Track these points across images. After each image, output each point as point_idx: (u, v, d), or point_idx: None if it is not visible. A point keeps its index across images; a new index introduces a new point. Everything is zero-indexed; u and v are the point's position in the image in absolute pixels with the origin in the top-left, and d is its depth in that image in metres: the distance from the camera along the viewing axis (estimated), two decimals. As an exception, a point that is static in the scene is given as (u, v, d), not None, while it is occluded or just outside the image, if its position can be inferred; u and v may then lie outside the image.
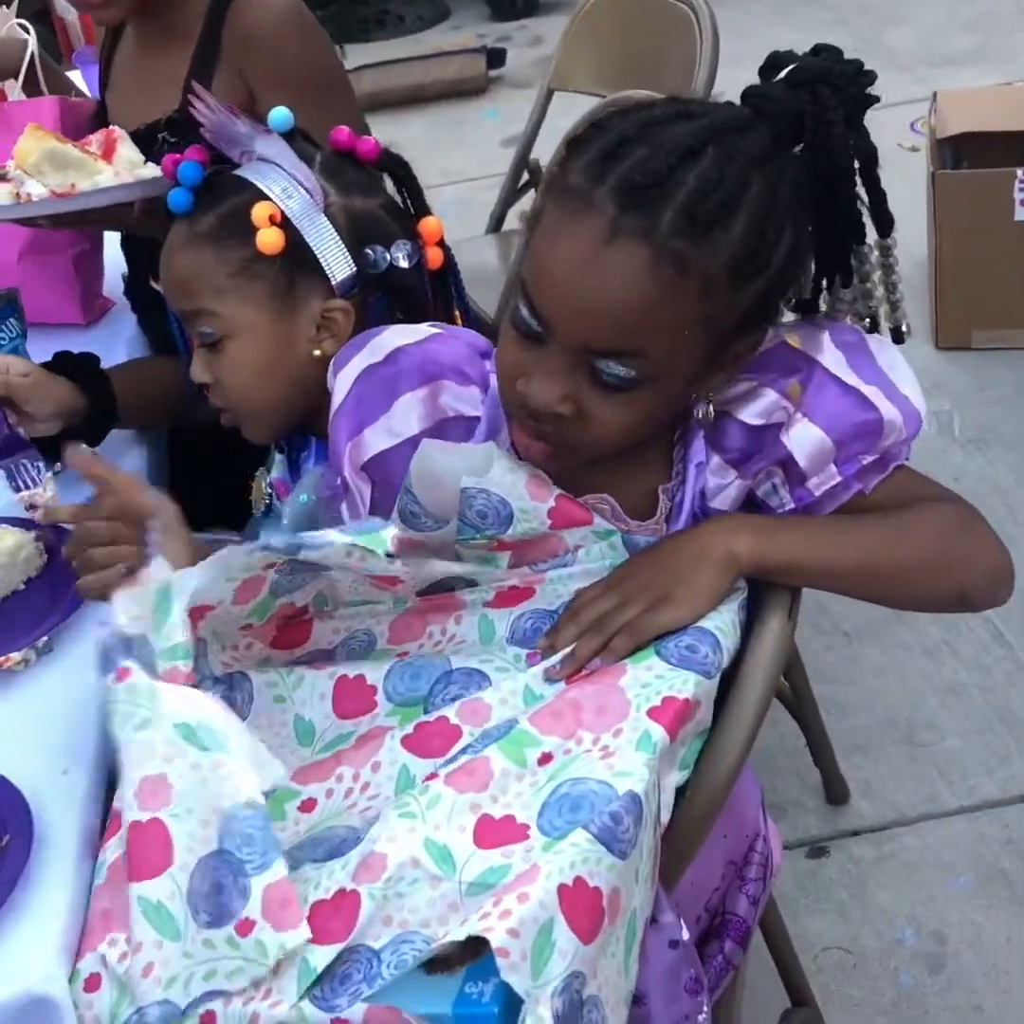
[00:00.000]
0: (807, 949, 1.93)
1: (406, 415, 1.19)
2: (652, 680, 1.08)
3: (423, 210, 1.45)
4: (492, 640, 1.19)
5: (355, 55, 5.36)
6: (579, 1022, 0.96)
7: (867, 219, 1.15)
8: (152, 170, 1.56)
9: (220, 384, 1.43)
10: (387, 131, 4.05)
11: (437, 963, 0.97)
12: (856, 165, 1.12)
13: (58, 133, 1.60)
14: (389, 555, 1.10)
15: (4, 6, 2.13)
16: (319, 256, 1.37)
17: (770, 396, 1.16)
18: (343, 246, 1.38)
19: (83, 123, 1.88)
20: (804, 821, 2.18)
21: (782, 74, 1.11)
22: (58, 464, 1.57)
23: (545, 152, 1.07)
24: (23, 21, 1.96)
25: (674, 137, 1.04)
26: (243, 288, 1.38)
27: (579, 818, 0.99)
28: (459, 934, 0.94)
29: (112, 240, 1.99)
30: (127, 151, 1.58)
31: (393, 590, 1.19)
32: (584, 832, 0.98)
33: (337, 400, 1.21)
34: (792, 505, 1.19)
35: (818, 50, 1.13)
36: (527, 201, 1.06)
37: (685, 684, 1.08)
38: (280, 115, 1.39)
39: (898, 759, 2.27)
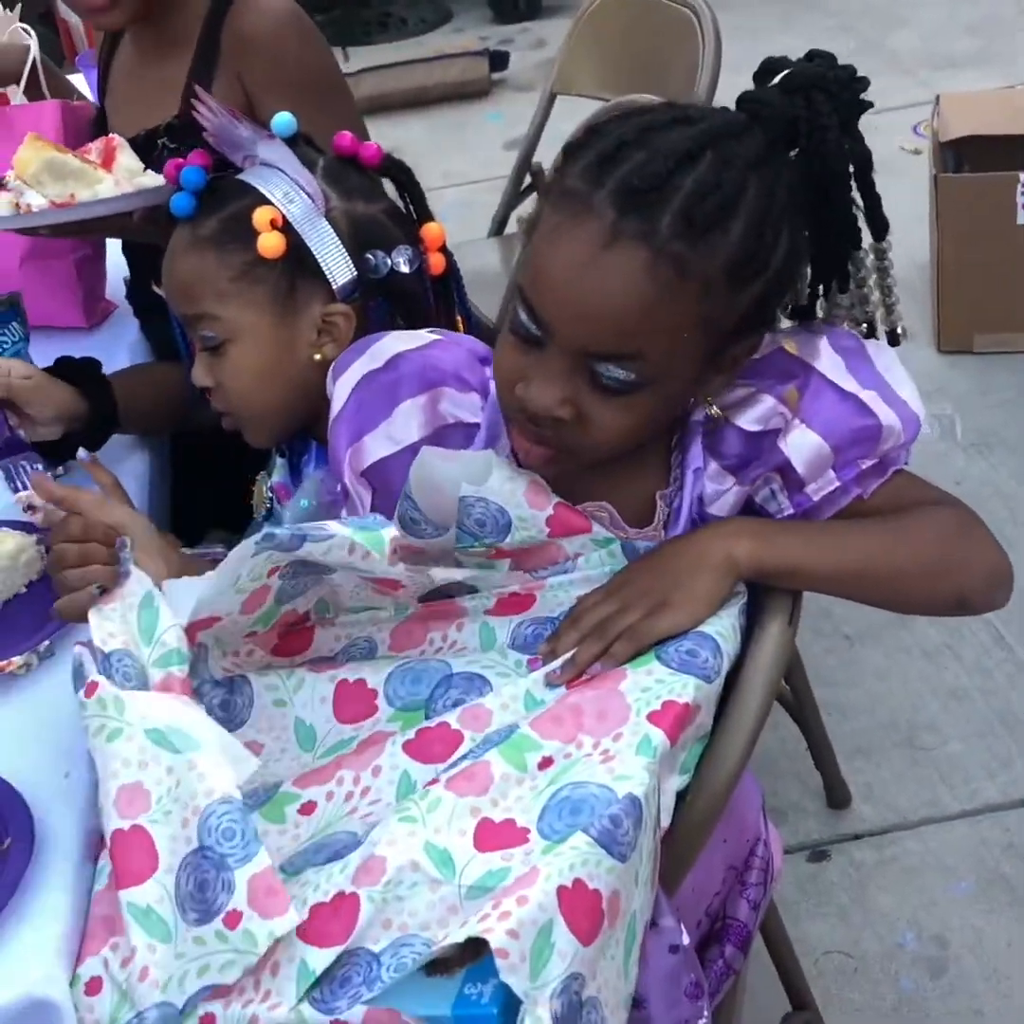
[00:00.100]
0: (808, 953, 1.94)
1: (406, 422, 1.19)
2: (652, 685, 1.08)
3: (425, 215, 1.46)
4: (493, 646, 1.19)
5: (357, 58, 5.38)
6: (578, 1023, 0.96)
7: (863, 224, 1.16)
8: (152, 178, 1.56)
9: (221, 388, 1.43)
10: (389, 133, 4.07)
11: (436, 965, 0.97)
12: (851, 169, 1.12)
13: (57, 143, 1.60)
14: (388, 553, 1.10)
15: (7, 9, 2.13)
16: (320, 260, 1.37)
17: (768, 402, 1.16)
18: (344, 251, 1.38)
19: (84, 127, 1.89)
20: (805, 825, 2.18)
21: (777, 79, 1.11)
22: (59, 467, 1.57)
23: (547, 155, 1.08)
24: (25, 25, 1.97)
25: (672, 142, 1.04)
26: (244, 292, 1.38)
27: (579, 821, 1.00)
28: (458, 936, 0.94)
29: (114, 244, 2.00)
30: (126, 159, 1.58)
31: (394, 595, 1.19)
32: (584, 835, 0.98)
33: (337, 406, 1.21)
34: (791, 511, 1.19)
35: (812, 56, 1.13)
36: (529, 205, 1.06)
37: (685, 688, 1.08)
38: (283, 120, 1.40)
39: (899, 763, 2.27)
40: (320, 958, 0.98)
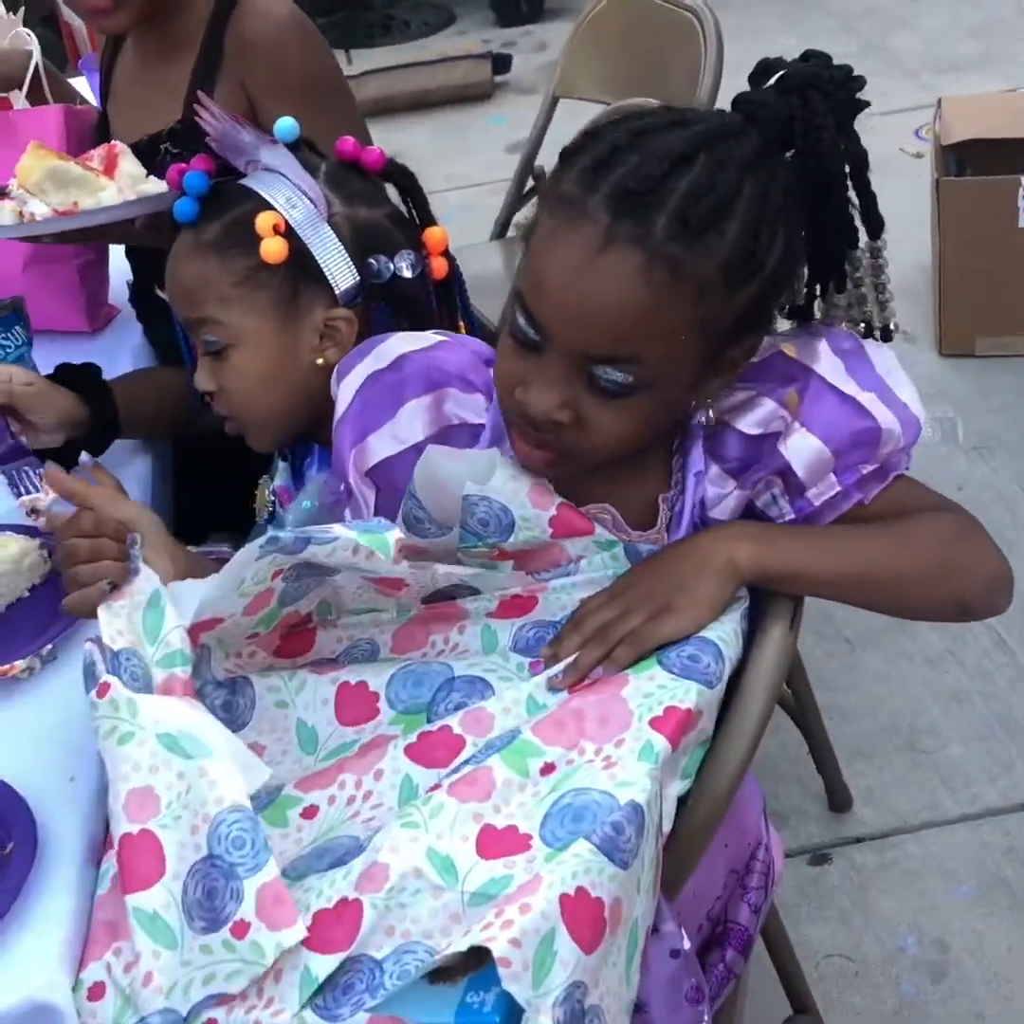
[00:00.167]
0: (809, 956, 1.94)
1: (411, 422, 1.19)
2: (654, 690, 1.08)
3: (428, 220, 1.46)
4: (495, 649, 1.19)
5: (361, 60, 5.38)
6: None
7: (859, 224, 1.16)
8: (155, 185, 1.57)
9: (224, 392, 1.43)
10: (392, 136, 4.08)
11: (439, 973, 0.97)
12: (847, 169, 1.12)
13: (60, 147, 1.60)
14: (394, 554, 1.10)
15: (10, 12, 2.14)
16: (322, 265, 1.38)
17: (768, 406, 1.17)
18: (347, 255, 1.38)
19: (87, 132, 1.89)
20: (806, 828, 2.18)
21: (772, 80, 1.11)
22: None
23: (550, 159, 1.08)
24: (27, 30, 1.97)
25: (666, 144, 1.04)
26: (247, 297, 1.39)
27: (581, 828, 1.00)
28: (461, 945, 0.94)
29: (117, 248, 2.00)
30: (129, 166, 1.58)
31: (398, 596, 1.19)
32: (586, 842, 0.98)
33: (341, 406, 1.21)
34: (792, 516, 1.19)
35: (807, 56, 1.13)
36: (530, 209, 1.06)
37: (687, 694, 1.08)
38: (286, 125, 1.40)
39: (900, 766, 2.27)
40: (323, 965, 0.98)
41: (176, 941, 1.01)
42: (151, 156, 1.69)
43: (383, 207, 1.44)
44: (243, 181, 1.41)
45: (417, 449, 1.17)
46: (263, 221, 1.35)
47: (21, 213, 1.55)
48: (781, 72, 1.11)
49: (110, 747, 1.08)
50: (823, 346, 1.18)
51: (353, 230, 1.40)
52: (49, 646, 1.34)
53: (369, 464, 1.20)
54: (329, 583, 1.17)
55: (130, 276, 1.99)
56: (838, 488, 1.17)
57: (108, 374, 1.64)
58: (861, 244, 1.17)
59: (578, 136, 1.11)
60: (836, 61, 1.13)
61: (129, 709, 1.08)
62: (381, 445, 1.20)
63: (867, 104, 1.12)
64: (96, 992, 1.05)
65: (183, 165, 1.42)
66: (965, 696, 2.39)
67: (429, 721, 1.14)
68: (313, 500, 1.39)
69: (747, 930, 1.35)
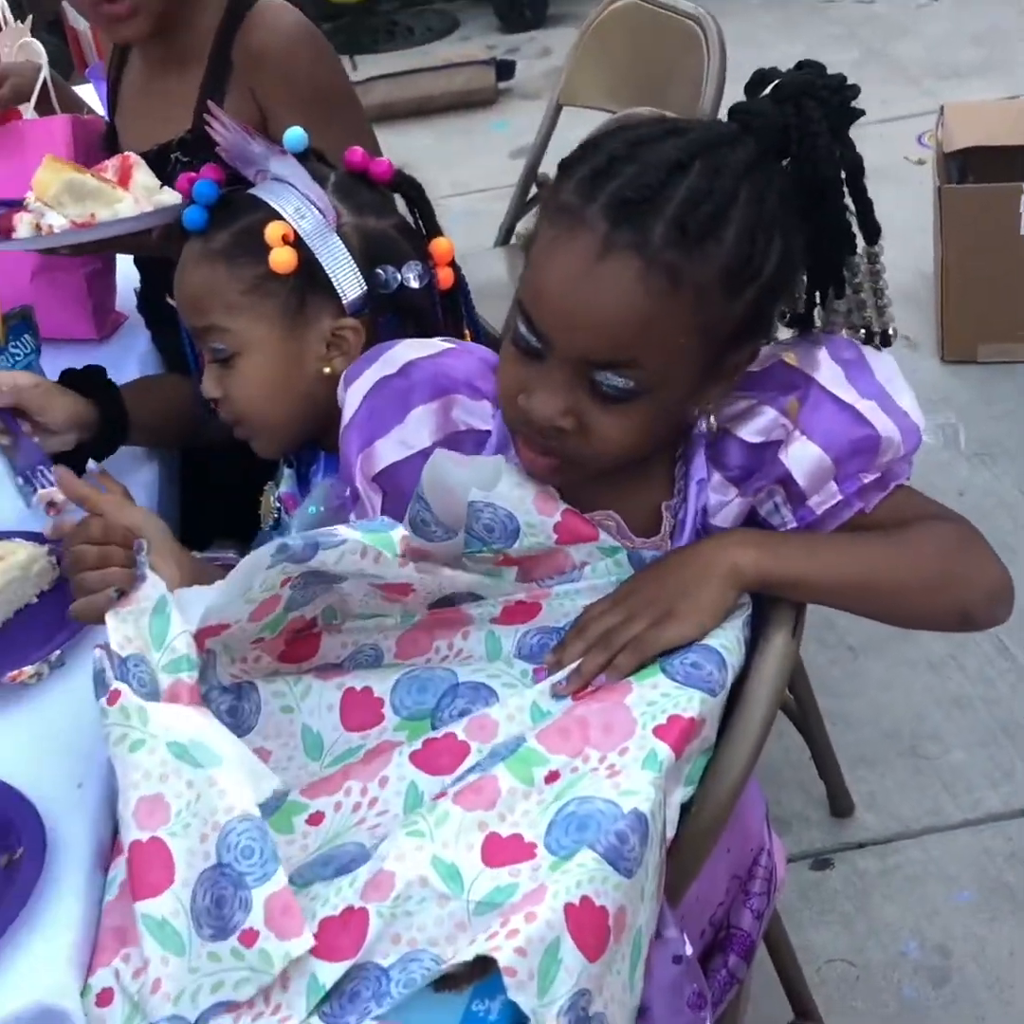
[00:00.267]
0: (811, 961, 1.94)
1: (418, 427, 1.20)
2: (658, 698, 1.09)
3: (435, 231, 1.47)
4: (499, 656, 1.19)
5: (364, 66, 5.39)
6: None
7: (856, 231, 1.17)
8: (170, 196, 1.57)
9: (229, 399, 1.44)
10: (396, 142, 4.06)
11: (445, 981, 0.97)
12: (843, 175, 1.13)
13: (68, 157, 1.61)
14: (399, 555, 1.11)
15: (18, 20, 2.15)
16: (330, 275, 1.39)
17: (769, 414, 1.17)
18: (355, 266, 1.39)
19: (95, 141, 1.89)
20: (809, 833, 2.18)
21: (767, 90, 1.12)
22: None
23: (554, 166, 1.09)
24: (36, 40, 1.98)
25: (663, 153, 1.05)
26: (255, 305, 1.39)
27: (586, 837, 1.00)
28: (467, 954, 0.95)
29: (124, 256, 2.00)
30: (143, 177, 1.59)
31: (404, 602, 1.19)
32: (591, 852, 0.99)
33: (349, 412, 1.22)
34: (794, 524, 1.20)
35: (801, 65, 1.14)
36: (533, 218, 1.07)
37: (690, 702, 1.08)
38: (295, 135, 1.41)
39: (902, 772, 2.27)
40: (330, 972, 0.98)
41: (184, 948, 1.01)
42: (160, 166, 1.70)
43: (391, 218, 1.45)
44: (252, 191, 1.42)
45: (424, 454, 1.17)
46: (272, 231, 1.36)
47: (39, 226, 1.56)
48: (776, 81, 1.12)
49: (121, 754, 1.08)
50: (823, 355, 1.19)
51: (361, 240, 1.40)
52: (57, 652, 1.34)
53: (376, 469, 1.21)
54: (336, 590, 1.17)
55: (137, 284, 2.00)
56: (839, 497, 1.18)
57: (115, 382, 1.65)
58: (859, 250, 1.18)
59: (576, 148, 1.12)
60: (839, 68, 1.14)
61: (140, 717, 1.08)
62: (388, 450, 1.20)
63: (862, 112, 1.13)
64: (104, 998, 1.05)
65: (193, 174, 1.43)
66: (967, 702, 2.39)
67: (433, 727, 1.14)
68: (319, 505, 1.40)
69: (749, 935, 1.35)
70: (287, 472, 1.52)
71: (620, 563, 1.19)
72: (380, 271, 1.39)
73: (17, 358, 1.69)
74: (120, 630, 1.15)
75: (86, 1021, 1.04)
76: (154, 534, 1.25)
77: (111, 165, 1.60)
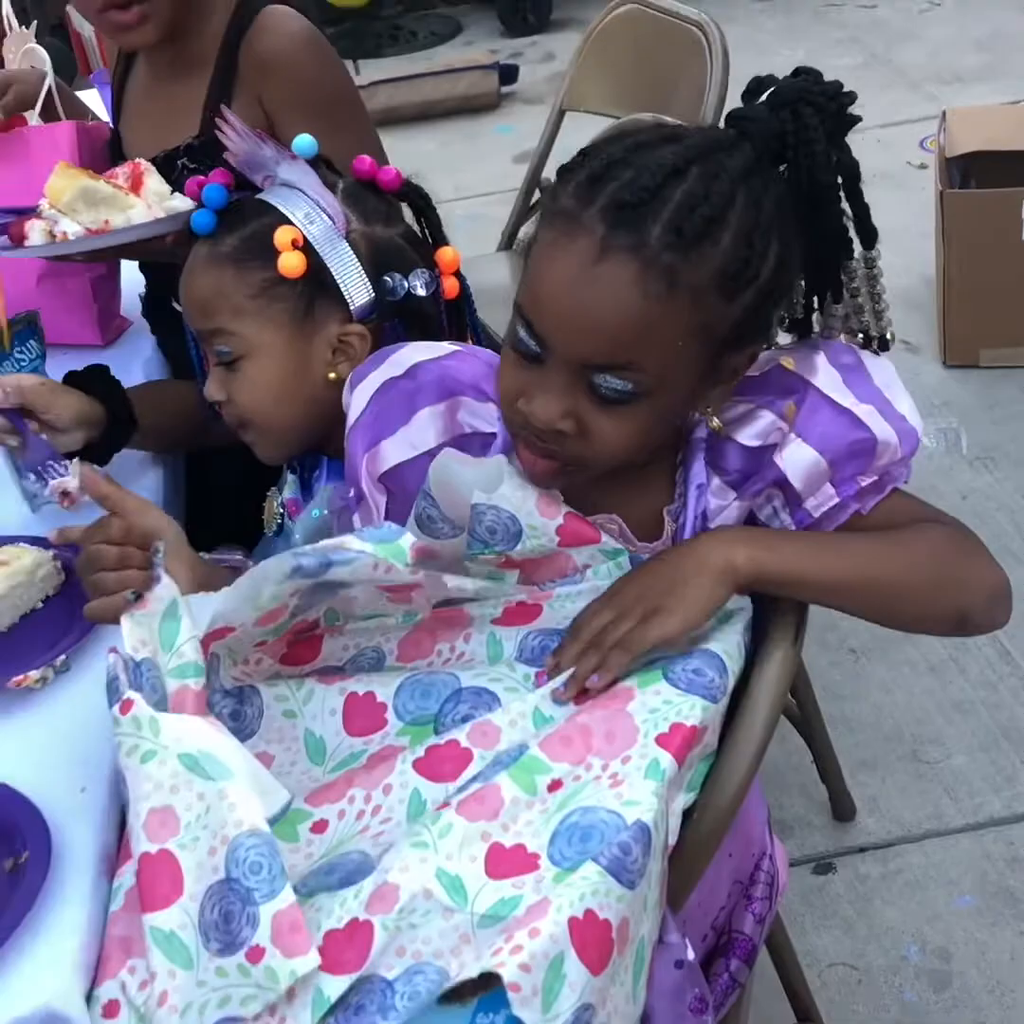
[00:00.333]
0: (813, 965, 1.95)
1: (424, 429, 1.21)
2: (660, 705, 1.09)
3: (441, 240, 1.47)
4: (500, 659, 1.19)
5: (368, 70, 5.40)
6: None
7: (853, 235, 1.17)
8: (182, 201, 1.57)
9: (234, 402, 1.44)
10: (399, 146, 4.07)
11: (450, 993, 0.97)
12: (840, 181, 1.14)
13: (87, 169, 1.61)
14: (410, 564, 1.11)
15: (23, 26, 2.15)
16: (339, 281, 1.39)
17: (767, 418, 1.18)
18: (363, 272, 1.40)
19: (100, 148, 1.90)
20: (810, 838, 2.19)
21: (764, 96, 1.13)
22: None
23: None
24: (40, 48, 1.98)
25: (660, 158, 1.06)
26: (263, 309, 1.40)
27: (589, 849, 1.00)
28: (473, 970, 0.95)
29: (129, 261, 2.00)
30: (155, 183, 1.59)
31: (409, 602, 1.19)
32: (594, 864, 0.99)
33: (355, 413, 1.23)
34: (793, 527, 1.20)
35: (798, 72, 1.15)
36: (533, 224, 1.08)
37: (692, 709, 1.08)
38: (305, 142, 1.41)
39: (904, 776, 2.28)
40: (335, 985, 0.97)
41: (191, 961, 1.01)
42: (168, 172, 1.69)
43: (398, 226, 1.46)
44: (261, 195, 1.43)
45: (430, 456, 1.18)
46: (282, 235, 1.37)
47: (52, 233, 1.56)
48: (773, 88, 1.13)
49: (132, 765, 1.08)
50: (821, 359, 1.19)
51: (370, 247, 1.41)
52: (62, 657, 1.34)
53: (382, 469, 1.21)
54: (342, 594, 1.17)
55: (141, 289, 2.00)
56: (836, 499, 1.18)
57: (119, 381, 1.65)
58: (856, 255, 1.18)
59: (575, 155, 1.13)
60: (841, 73, 1.15)
61: (151, 728, 1.08)
62: (394, 451, 1.21)
63: (858, 118, 1.13)
64: (111, 1009, 1.04)
65: (202, 178, 1.44)
66: (969, 706, 2.39)
67: (436, 732, 1.14)
68: (322, 507, 1.40)
69: (751, 940, 1.35)
70: (290, 478, 1.52)
71: (622, 566, 1.19)
72: (388, 278, 1.40)
73: (22, 363, 1.69)
74: (135, 633, 1.15)
75: None
76: (171, 537, 1.25)
77: (122, 172, 1.61)
